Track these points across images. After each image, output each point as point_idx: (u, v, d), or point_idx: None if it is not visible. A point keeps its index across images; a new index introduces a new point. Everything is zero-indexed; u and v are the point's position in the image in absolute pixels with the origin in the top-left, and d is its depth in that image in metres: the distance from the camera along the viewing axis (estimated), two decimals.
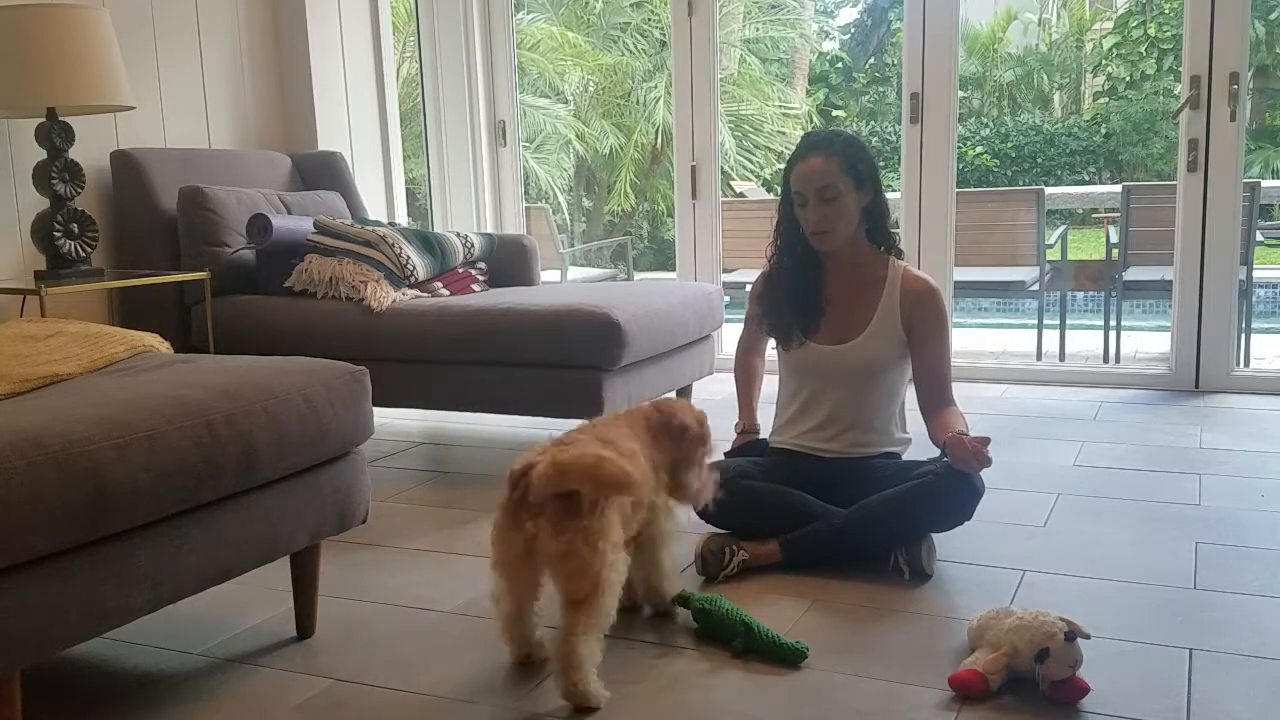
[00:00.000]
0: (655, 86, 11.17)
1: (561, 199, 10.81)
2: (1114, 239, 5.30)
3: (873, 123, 13.97)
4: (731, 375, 2.78)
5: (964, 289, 4.88)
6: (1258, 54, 12.02)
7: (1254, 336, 4.95)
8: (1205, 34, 3.82)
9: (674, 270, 4.89)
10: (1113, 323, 5.05)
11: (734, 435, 2.67)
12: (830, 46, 15.30)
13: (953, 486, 2.27)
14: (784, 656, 1.91)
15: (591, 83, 11.32)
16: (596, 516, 1.76)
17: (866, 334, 2.49)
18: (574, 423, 3.32)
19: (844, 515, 2.33)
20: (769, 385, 2.71)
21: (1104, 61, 13.58)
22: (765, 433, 2.67)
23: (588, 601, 1.75)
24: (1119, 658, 1.89)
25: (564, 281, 5.83)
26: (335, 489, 2.00)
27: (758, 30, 12.49)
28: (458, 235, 3.56)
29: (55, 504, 1.48)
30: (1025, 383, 4.26)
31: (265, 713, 1.80)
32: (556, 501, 1.75)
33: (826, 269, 2.54)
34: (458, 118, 5.00)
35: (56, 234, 3.01)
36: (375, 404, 2.15)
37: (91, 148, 3.34)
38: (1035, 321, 5.22)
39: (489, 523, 2.74)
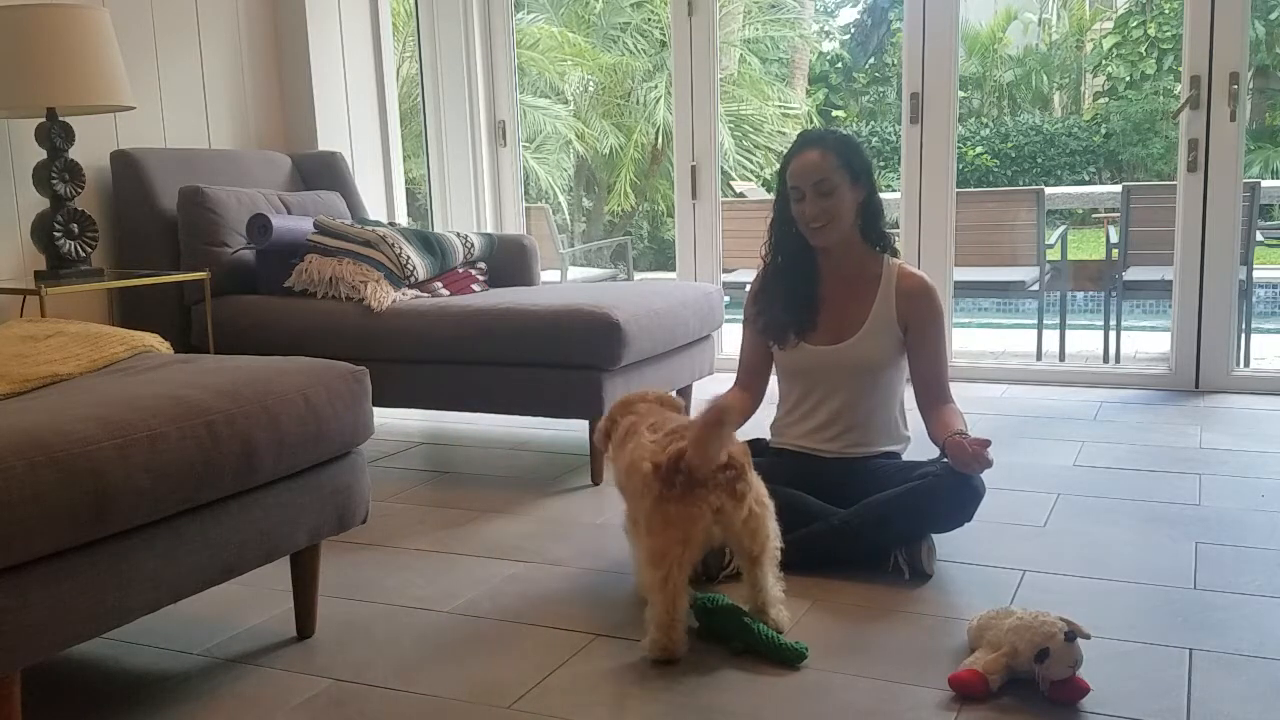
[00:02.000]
0: (655, 86, 11.16)
1: (561, 199, 10.81)
2: (1114, 239, 5.30)
3: (873, 123, 13.97)
4: (730, 376, 2.76)
5: (964, 289, 4.88)
6: (1258, 54, 12.01)
7: (1254, 336, 4.95)
8: (1205, 34, 3.82)
9: (674, 270, 4.89)
10: (1113, 323, 5.05)
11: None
12: (830, 46, 15.30)
13: (953, 487, 2.27)
14: (784, 657, 1.91)
15: (591, 83, 11.32)
16: (755, 480, 2.00)
17: (862, 332, 2.49)
18: (574, 423, 3.33)
19: (844, 515, 2.33)
20: (769, 385, 2.70)
21: (1104, 61, 13.58)
22: (763, 433, 2.67)
23: (767, 551, 2.00)
24: (1119, 658, 1.89)
25: (564, 281, 5.82)
26: (335, 489, 2.00)
27: (758, 30, 12.49)
28: (458, 235, 3.56)
29: (55, 504, 1.48)
30: (1025, 383, 4.26)
31: (265, 713, 1.80)
32: (721, 474, 1.92)
33: (821, 268, 2.54)
34: (458, 118, 5.00)
35: (56, 234, 3.01)
36: (375, 404, 2.15)
37: (91, 148, 3.34)
38: (1035, 321, 5.22)
39: (489, 522, 2.75)
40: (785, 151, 2.53)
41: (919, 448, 2.57)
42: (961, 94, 11.41)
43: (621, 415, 2.28)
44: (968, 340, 5.96)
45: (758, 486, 2.01)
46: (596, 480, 3.05)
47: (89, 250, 3.09)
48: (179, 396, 1.74)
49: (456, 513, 2.85)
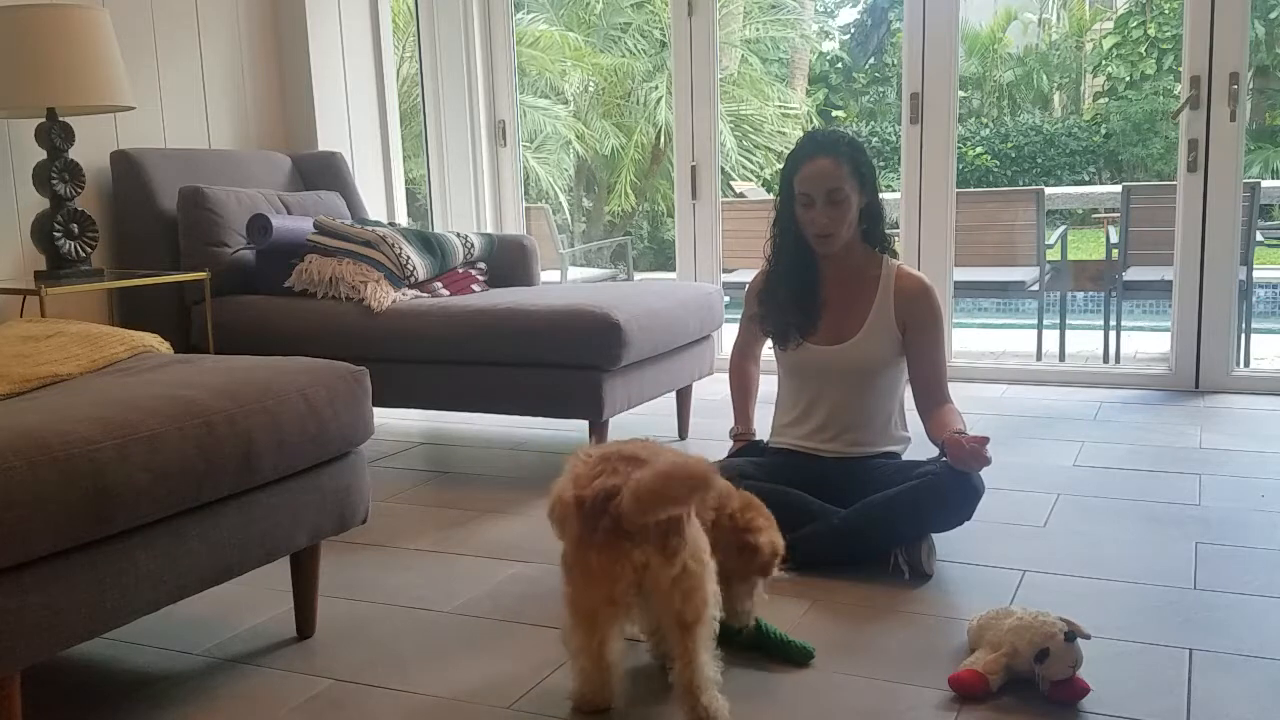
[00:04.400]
0: (656, 86, 11.17)
1: (561, 199, 10.81)
2: (1114, 239, 5.30)
3: (873, 123, 13.98)
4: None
5: (964, 289, 4.88)
6: (1258, 54, 12.02)
7: (1254, 336, 4.95)
8: (1205, 34, 3.82)
9: (674, 270, 4.89)
10: (1113, 323, 5.05)
11: (730, 442, 2.67)
12: (830, 46, 15.31)
13: (953, 486, 2.27)
14: (791, 655, 1.91)
15: (592, 83, 11.32)
16: (694, 533, 1.68)
17: (862, 333, 2.49)
18: (574, 423, 3.33)
19: (844, 515, 2.33)
20: (769, 384, 2.71)
21: (1104, 61, 13.59)
22: (761, 434, 2.67)
23: (702, 619, 1.67)
24: (1119, 658, 1.89)
25: (564, 281, 5.83)
26: (335, 489, 2.00)
27: (758, 30, 12.50)
28: (458, 235, 3.56)
29: (55, 504, 1.48)
30: (1025, 383, 4.26)
31: (265, 713, 1.80)
32: (657, 525, 1.63)
33: (821, 269, 2.54)
34: (458, 118, 5.00)
35: (56, 234, 3.01)
36: (375, 404, 2.15)
37: (91, 148, 3.34)
38: (1035, 322, 5.22)
39: (489, 522, 2.75)
40: (789, 153, 2.50)
41: (919, 448, 2.57)
42: (961, 94, 11.41)
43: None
44: (968, 340, 5.96)
45: (696, 542, 1.69)
46: None
47: (89, 250, 3.09)
48: (179, 396, 1.74)
49: (456, 513, 2.85)
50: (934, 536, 2.35)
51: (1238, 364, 4.13)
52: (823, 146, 2.44)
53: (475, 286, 3.53)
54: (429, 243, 3.44)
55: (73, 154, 3.05)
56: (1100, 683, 1.77)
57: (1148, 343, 5.76)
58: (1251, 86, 10.40)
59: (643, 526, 1.62)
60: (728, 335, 4.45)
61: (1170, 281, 4.09)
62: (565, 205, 10.99)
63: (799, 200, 2.45)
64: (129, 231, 3.47)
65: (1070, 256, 6.71)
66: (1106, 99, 13.67)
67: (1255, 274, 4.82)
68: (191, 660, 2.01)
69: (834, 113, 14.50)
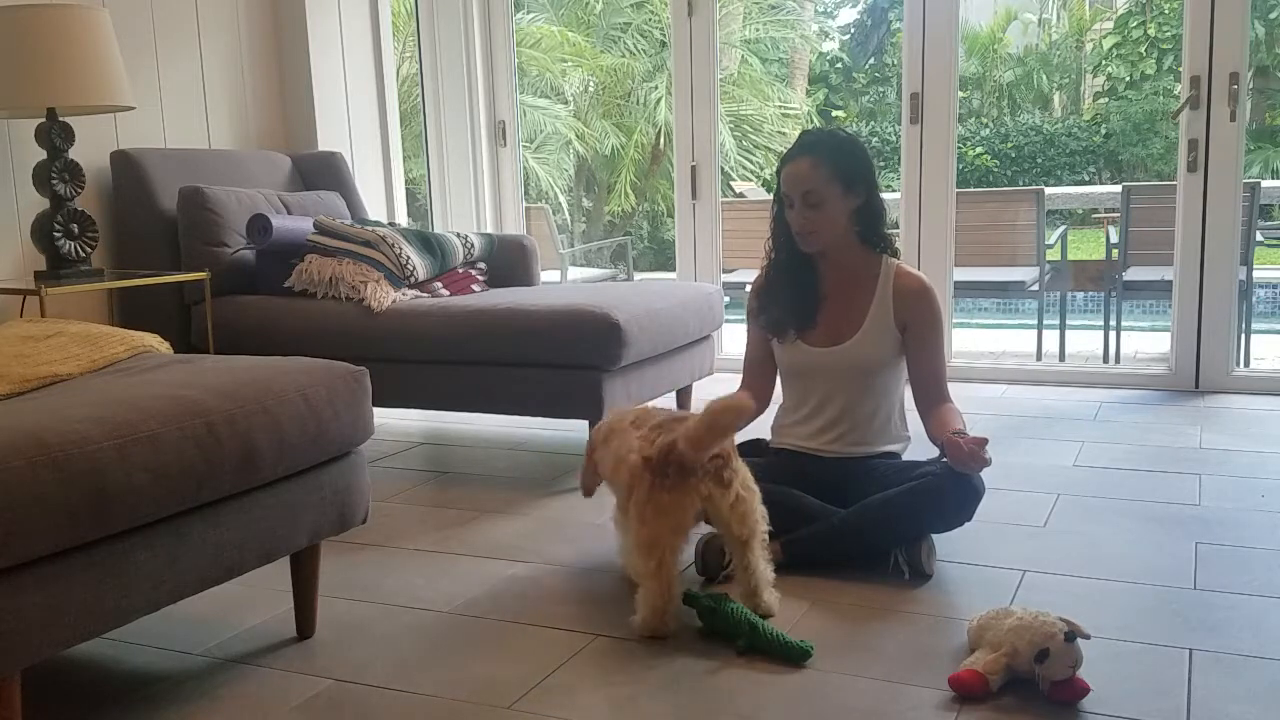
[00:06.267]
0: (656, 87, 11.17)
1: (561, 199, 10.81)
2: (1114, 239, 5.30)
3: (873, 123, 13.98)
4: (729, 376, 2.77)
5: (964, 289, 4.88)
6: (1258, 54, 12.02)
7: (1254, 336, 4.95)
8: (1205, 34, 3.82)
9: (674, 270, 4.89)
10: (1113, 323, 5.05)
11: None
12: (830, 47, 15.31)
13: (953, 487, 2.27)
14: (789, 655, 1.91)
15: (592, 83, 11.33)
16: (738, 463, 2.08)
17: (860, 334, 2.49)
18: (574, 423, 3.33)
19: (844, 516, 2.33)
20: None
21: (1104, 61, 13.60)
22: (762, 434, 2.67)
23: (755, 534, 2.08)
24: (1119, 658, 1.89)
25: (564, 281, 5.83)
26: (335, 489, 2.00)
27: (758, 31, 12.50)
28: (458, 235, 3.56)
29: (55, 504, 1.48)
30: (1025, 383, 4.26)
31: (265, 713, 1.80)
32: (711, 463, 2.01)
33: (819, 268, 2.54)
34: (458, 118, 5.00)
35: (56, 234, 3.01)
36: (375, 404, 2.15)
37: (91, 148, 3.34)
38: (1035, 322, 5.22)
39: (489, 522, 2.75)
40: (785, 151, 2.52)
41: (919, 448, 2.57)
42: (961, 94, 11.41)
43: (605, 429, 2.34)
44: (967, 340, 5.97)
45: (744, 472, 2.09)
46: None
47: (89, 250, 3.09)
48: (179, 396, 1.74)
49: (456, 513, 2.85)
50: (934, 536, 2.35)
51: (1238, 364, 4.13)
52: (806, 148, 2.44)
53: (475, 286, 3.53)
54: (429, 243, 3.45)
55: (73, 154, 3.05)
56: (1100, 683, 1.77)
57: (1148, 343, 5.76)
58: (1251, 86, 10.40)
59: (701, 464, 1.99)
60: (728, 335, 4.47)
61: (1170, 281, 4.09)
62: (565, 205, 10.99)
63: (784, 200, 2.46)
64: (129, 231, 3.47)
65: (1070, 256, 6.71)
66: (1106, 99, 13.67)
67: (1255, 274, 4.81)
68: (191, 660, 2.01)
69: (834, 113, 14.50)
